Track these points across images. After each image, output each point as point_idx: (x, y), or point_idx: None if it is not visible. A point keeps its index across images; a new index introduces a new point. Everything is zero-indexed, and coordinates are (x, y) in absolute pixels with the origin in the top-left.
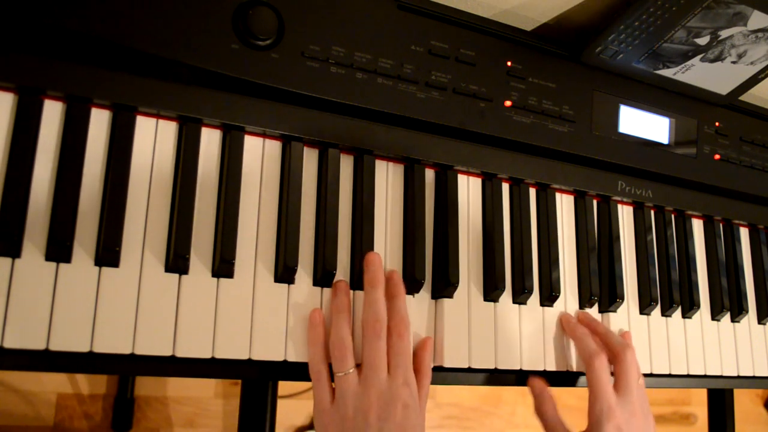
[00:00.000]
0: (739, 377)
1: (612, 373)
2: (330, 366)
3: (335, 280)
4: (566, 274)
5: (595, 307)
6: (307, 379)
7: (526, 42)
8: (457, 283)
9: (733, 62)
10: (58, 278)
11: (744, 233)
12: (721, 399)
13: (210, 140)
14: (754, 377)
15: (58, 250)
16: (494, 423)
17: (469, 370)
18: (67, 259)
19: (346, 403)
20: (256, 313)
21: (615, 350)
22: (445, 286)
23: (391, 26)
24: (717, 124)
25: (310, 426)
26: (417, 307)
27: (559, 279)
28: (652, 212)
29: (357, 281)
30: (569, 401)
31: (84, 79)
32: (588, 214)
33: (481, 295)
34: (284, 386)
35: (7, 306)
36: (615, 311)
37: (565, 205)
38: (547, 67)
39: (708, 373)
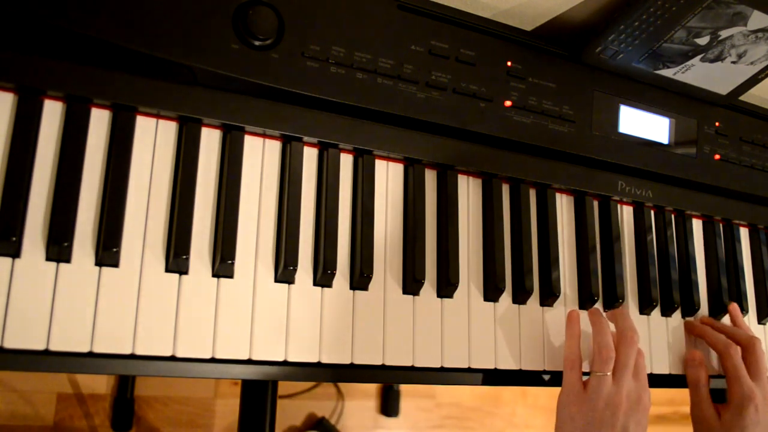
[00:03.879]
0: None
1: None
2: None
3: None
4: (566, 274)
5: (599, 307)
6: (308, 379)
7: (526, 42)
8: (457, 283)
9: (733, 62)
10: (58, 278)
11: (744, 233)
12: (721, 399)
13: (210, 140)
14: None
15: (58, 250)
16: (494, 423)
17: (469, 369)
18: (67, 259)
19: (600, 397)
20: (256, 313)
21: (745, 342)
22: (445, 285)
23: (391, 26)
24: (717, 124)
25: (310, 426)
26: (422, 306)
27: (559, 279)
28: (652, 212)
29: (357, 281)
30: None
31: (84, 79)
32: (588, 214)
33: (481, 295)
34: (284, 386)
35: (7, 306)
36: None
37: (565, 205)
38: (547, 67)
39: (711, 373)
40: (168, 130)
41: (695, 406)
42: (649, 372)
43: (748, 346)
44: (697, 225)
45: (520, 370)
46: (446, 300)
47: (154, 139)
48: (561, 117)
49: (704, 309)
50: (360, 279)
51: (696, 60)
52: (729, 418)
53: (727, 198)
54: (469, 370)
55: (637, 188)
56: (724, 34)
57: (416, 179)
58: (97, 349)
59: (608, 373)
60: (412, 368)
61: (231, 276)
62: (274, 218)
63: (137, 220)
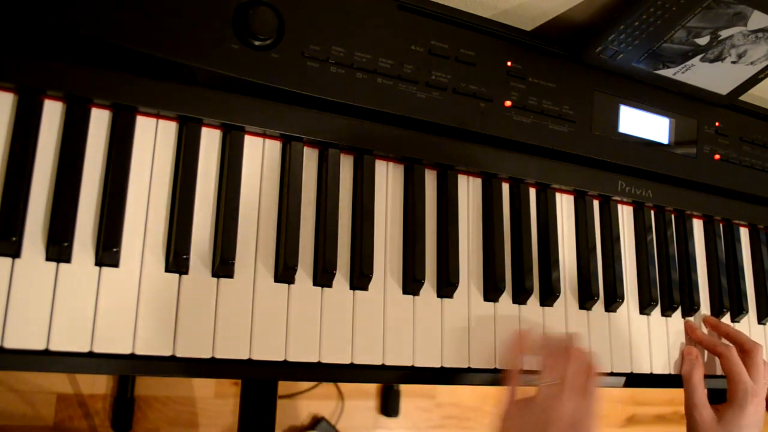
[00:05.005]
0: None
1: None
2: None
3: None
4: (566, 274)
5: (599, 307)
6: (308, 379)
7: (526, 42)
8: (457, 283)
9: (733, 62)
10: (58, 278)
11: (744, 233)
12: (721, 399)
13: (210, 140)
14: None
15: (58, 250)
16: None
17: (469, 369)
18: (67, 259)
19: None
20: (256, 313)
21: (746, 346)
22: (444, 285)
23: (391, 26)
24: (717, 124)
25: (310, 426)
26: (422, 306)
27: (559, 279)
28: (652, 212)
29: (357, 281)
30: None
31: (84, 79)
32: (588, 214)
33: (481, 295)
34: (284, 386)
35: (7, 306)
36: (615, 311)
37: (565, 205)
38: (547, 67)
39: (708, 373)
40: (168, 130)
41: (688, 401)
42: (648, 372)
43: (749, 350)
44: (697, 225)
45: (520, 370)
46: (446, 300)
47: (154, 139)
48: (561, 117)
49: (704, 309)
50: (360, 279)
51: (696, 60)
52: (730, 417)
53: (727, 198)
54: (469, 370)
55: (637, 188)
56: (724, 34)
57: (416, 179)
58: (97, 349)
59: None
60: (412, 368)
61: (231, 276)
62: (274, 218)
63: (137, 220)
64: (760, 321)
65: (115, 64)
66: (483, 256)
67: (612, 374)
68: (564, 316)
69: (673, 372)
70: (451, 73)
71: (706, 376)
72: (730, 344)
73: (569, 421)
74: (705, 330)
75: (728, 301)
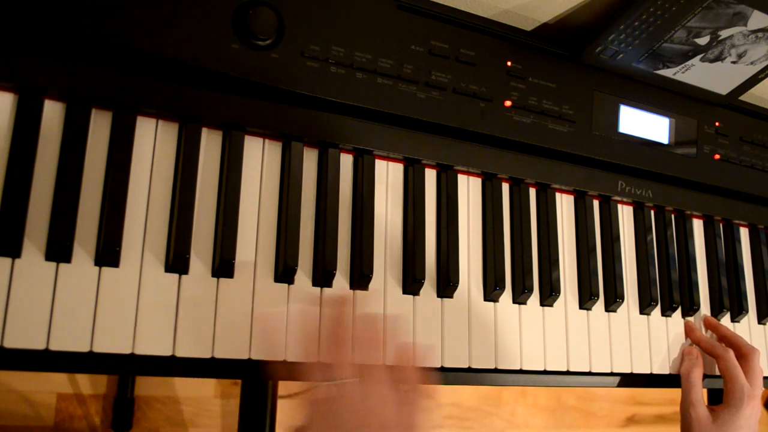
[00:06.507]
0: None
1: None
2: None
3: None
4: (566, 274)
5: (599, 307)
6: (307, 379)
7: (526, 42)
8: (457, 283)
9: (733, 62)
10: (58, 278)
11: (744, 233)
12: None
13: (210, 140)
14: None
15: (58, 250)
16: (494, 423)
17: (469, 370)
18: (67, 259)
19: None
20: (257, 312)
21: (744, 350)
22: (444, 285)
23: (391, 26)
24: (717, 124)
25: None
26: (422, 306)
27: (559, 279)
28: (652, 212)
29: (357, 281)
30: (569, 401)
31: (84, 79)
32: (588, 214)
33: (481, 295)
34: (284, 386)
35: (7, 306)
36: (615, 311)
37: (565, 205)
38: (547, 67)
39: (707, 373)
40: (168, 131)
41: (685, 398)
42: (648, 372)
43: (746, 354)
44: (697, 225)
45: (521, 370)
46: (446, 300)
47: (154, 140)
48: (561, 117)
49: (704, 309)
50: (360, 279)
51: (696, 60)
52: (725, 418)
53: (727, 198)
54: (470, 370)
55: (637, 188)
56: (724, 34)
57: (416, 179)
58: (97, 349)
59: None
60: None
61: (231, 276)
62: (274, 218)
63: (137, 220)
64: (760, 321)
65: (115, 65)
66: (483, 256)
67: (612, 374)
68: (564, 316)
69: (672, 372)
70: (451, 73)
71: (706, 376)
72: (728, 347)
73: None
74: (705, 331)
75: (728, 301)
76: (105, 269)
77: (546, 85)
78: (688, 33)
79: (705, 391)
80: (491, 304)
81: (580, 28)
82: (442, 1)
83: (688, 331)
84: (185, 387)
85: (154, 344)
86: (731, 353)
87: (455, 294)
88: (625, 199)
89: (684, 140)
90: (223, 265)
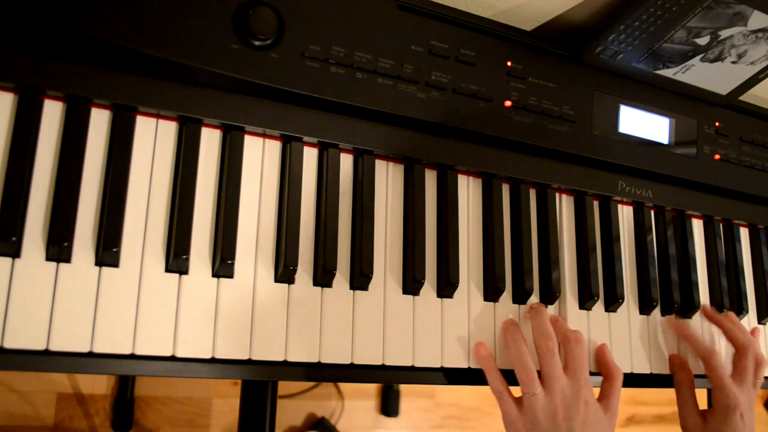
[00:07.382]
0: None
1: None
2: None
3: (505, 319)
4: (566, 274)
5: (599, 307)
6: (308, 379)
7: (526, 42)
8: (457, 283)
9: (733, 62)
10: (58, 278)
11: (744, 233)
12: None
13: (210, 140)
14: None
15: (58, 250)
16: (494, 423)
17: (470, 370)
18: (67, 259)
19: (536, 414)
20: (257, 313)
21: (739, 345)
22: (444, 285)
23: (391, 26)
24: (717, 124)
25: (310, 426)
26: (422, 306)
27: (559, 279)
28: (652, 212)
29: (357, 281)
30: None
31: (84, 79)
32: (588, 214)
33: (481, 295)
34: (284, 386)
35: (7, 306)
36: (615, 311)
37: (565, 205)
38: (547, 67)
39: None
40: (168, 130)
41: (680, 409)
42: (648, 372)
43: (741, 349)
44: (697, 225)
45: None
46: (446, 300)
47: (154, 139)
48: (561, 117)
49: None
50: (360, 279)
51: (696, 60)
52: (715, 426)
53: (727, 198)
54: (469, 370)
55: (637, 188)
56: (724, 34)
57: (416, 179)
58: (97, 349)
59: (536, 392)
60: (413, 368)
61: (231, 276)
62: (274, 218)
63: (137, 220)
64: (760, 321)
65: (115, 64)
66: (483, 256)
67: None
68: (564, 316)
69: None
70: (451, 73)
71: (699, 377)
72: (714, 349)
73: (564, 408)
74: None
75: (728, 301)
76: (105, 269)
77: (546, 85)
78: (688, 33)
79: (704, 391)
80: (491, 304)
81: (580, 28)
82: (442, 1)
83: (676, 328)
84: (185, 387)
85: (154, 344)
86: (717, 356)
87: (455, 294)
88: (625, 199)
89: (684, 140)
90: (223, 265)
